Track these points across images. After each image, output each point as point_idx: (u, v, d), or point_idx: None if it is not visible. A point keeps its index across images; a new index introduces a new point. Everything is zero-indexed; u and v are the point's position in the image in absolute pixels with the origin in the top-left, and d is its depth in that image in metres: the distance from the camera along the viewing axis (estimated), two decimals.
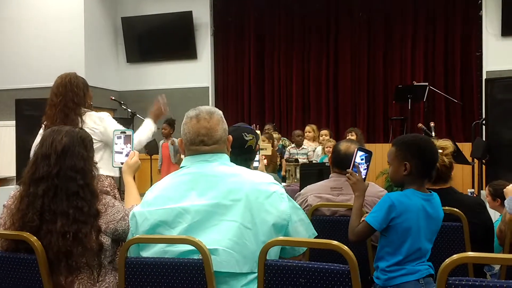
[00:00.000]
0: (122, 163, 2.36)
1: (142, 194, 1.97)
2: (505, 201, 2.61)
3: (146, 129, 3.25)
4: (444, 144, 2.55)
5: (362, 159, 2.23)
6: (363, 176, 2.21)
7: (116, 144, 2.40)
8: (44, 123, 3.06)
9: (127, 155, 2.37)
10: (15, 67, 8.84)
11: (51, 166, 1.88)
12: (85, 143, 1.99)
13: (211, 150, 1.83)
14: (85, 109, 3.13)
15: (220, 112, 1.91)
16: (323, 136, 6.93)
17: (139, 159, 2.37)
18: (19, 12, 8.90)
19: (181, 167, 1.86)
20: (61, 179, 1.88)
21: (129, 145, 2.40)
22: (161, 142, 7.33)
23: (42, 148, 1.93)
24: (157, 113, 3.27)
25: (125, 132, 2.42)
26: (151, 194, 1.84)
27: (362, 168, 2.23)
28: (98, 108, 3.27)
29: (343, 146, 2.74)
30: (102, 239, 1.92)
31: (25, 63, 8.78)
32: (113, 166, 2.44)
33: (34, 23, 8.79)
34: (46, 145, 1.92)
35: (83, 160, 1.94)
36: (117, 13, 9.64)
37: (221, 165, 1.82)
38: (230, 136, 1.94)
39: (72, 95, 3.06)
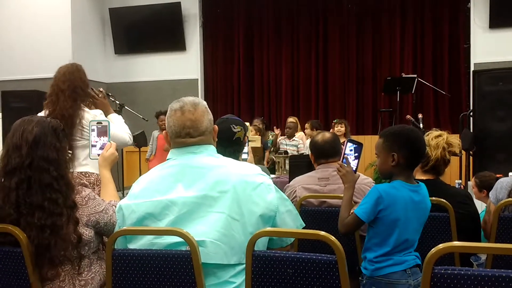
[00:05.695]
0: (98, 155, 2.30)
1: (130, 187, 1.95)
2: (490, 192, 2.64)
3: (119, 121, 3.24)
4: (452, 141, 2.55)
5: (351, 150, 2.24)
6: (353, 168, 2.21)
7: (92, 136, 2.33)
8: (49, 109, 2.98)
9: (101, 147, 2.31)
10: (1, 59, 8.70)
11: (23, 157, 1.82)
12: (57, 133, 1.91)
13: (198, 141, 1.81)
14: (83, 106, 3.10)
15: (204, 102, 1.88)
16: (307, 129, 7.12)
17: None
18: (3, 2, 8.75)
19: (167, 159, 1.86)
20: (34, 170, 1.82)
21: (103, 138, 2.33)
22: (156, 132, 7.30)
23: (13, 139, 1.85)
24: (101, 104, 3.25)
25: (101, 123, 2.36)
26: (137, 186, 1.83)
27: (352, 159, 2.23)
28: None
29: (318, 136, 2.88)
30: (85, 230, 1.89)
31: (11, 54, 8.64)
32: (90, 158, 2.38)
33: (20, 14, 8.64)
34: (17, 135, 1.85)
35: (56, 151, 1.87)
36: (105, 4, 9.51)
37: (207, 156, 1.81)
38: (216, 126, 1.92)
39: (80, 82, 3.04)
